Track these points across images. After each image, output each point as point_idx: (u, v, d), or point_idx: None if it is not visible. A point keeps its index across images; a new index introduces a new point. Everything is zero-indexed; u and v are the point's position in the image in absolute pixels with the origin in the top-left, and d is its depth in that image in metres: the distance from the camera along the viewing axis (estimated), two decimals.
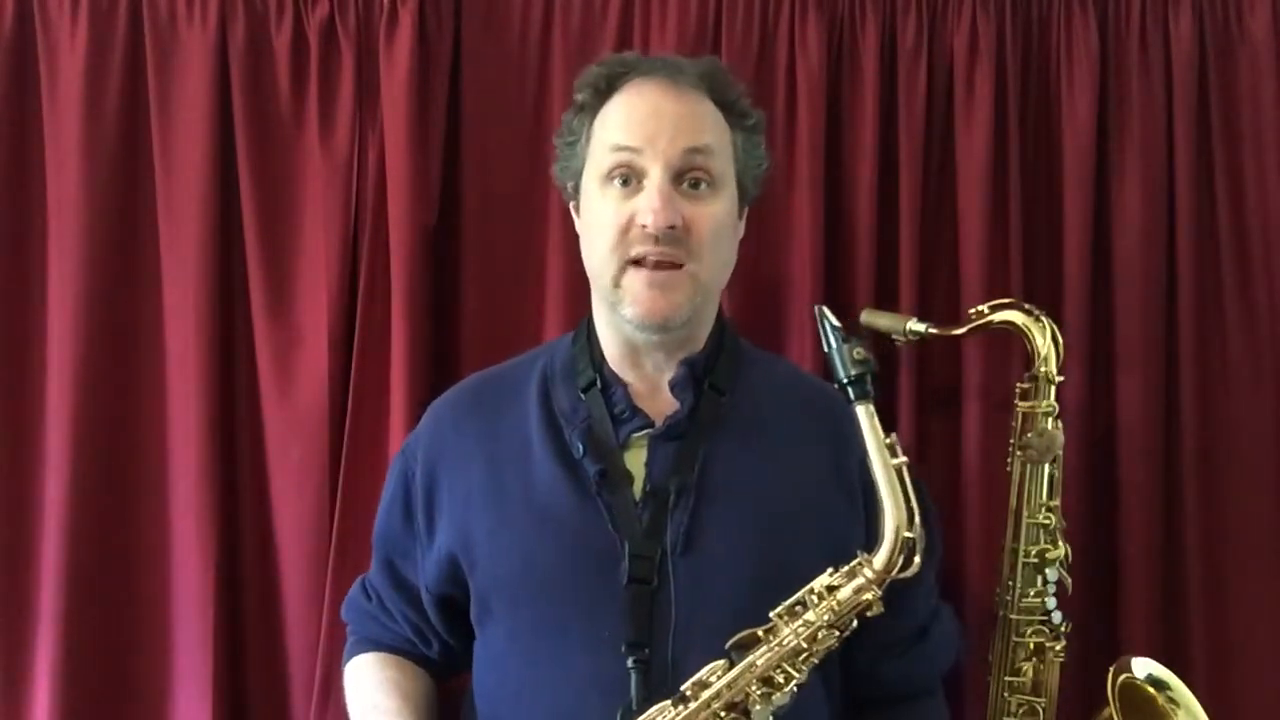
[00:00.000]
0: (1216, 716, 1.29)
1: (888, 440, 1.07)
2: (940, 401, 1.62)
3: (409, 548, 1.29)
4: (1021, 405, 1.45)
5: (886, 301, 1.59)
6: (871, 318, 1.52)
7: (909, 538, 1.04)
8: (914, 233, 1.60)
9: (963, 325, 1.48)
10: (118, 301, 1.56)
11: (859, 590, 1.04)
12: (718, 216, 1.18)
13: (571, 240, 1.34)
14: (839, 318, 1.53)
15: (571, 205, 1.29)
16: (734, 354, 1.25)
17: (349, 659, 1.34)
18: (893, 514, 1.04)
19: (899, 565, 1.04)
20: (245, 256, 1.57)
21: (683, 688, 1.04)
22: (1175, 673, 1.31)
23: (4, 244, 1.56)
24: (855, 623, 1.06)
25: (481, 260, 1.60)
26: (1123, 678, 1.30)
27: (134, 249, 1.57)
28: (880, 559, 1.04)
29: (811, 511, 1.19)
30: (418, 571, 1.28)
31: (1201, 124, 1.64)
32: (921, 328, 1.47)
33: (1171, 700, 1.29)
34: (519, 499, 1.19)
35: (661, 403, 1.21)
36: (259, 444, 1.58)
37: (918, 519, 1.05)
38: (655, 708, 1.05)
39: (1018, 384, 1.47)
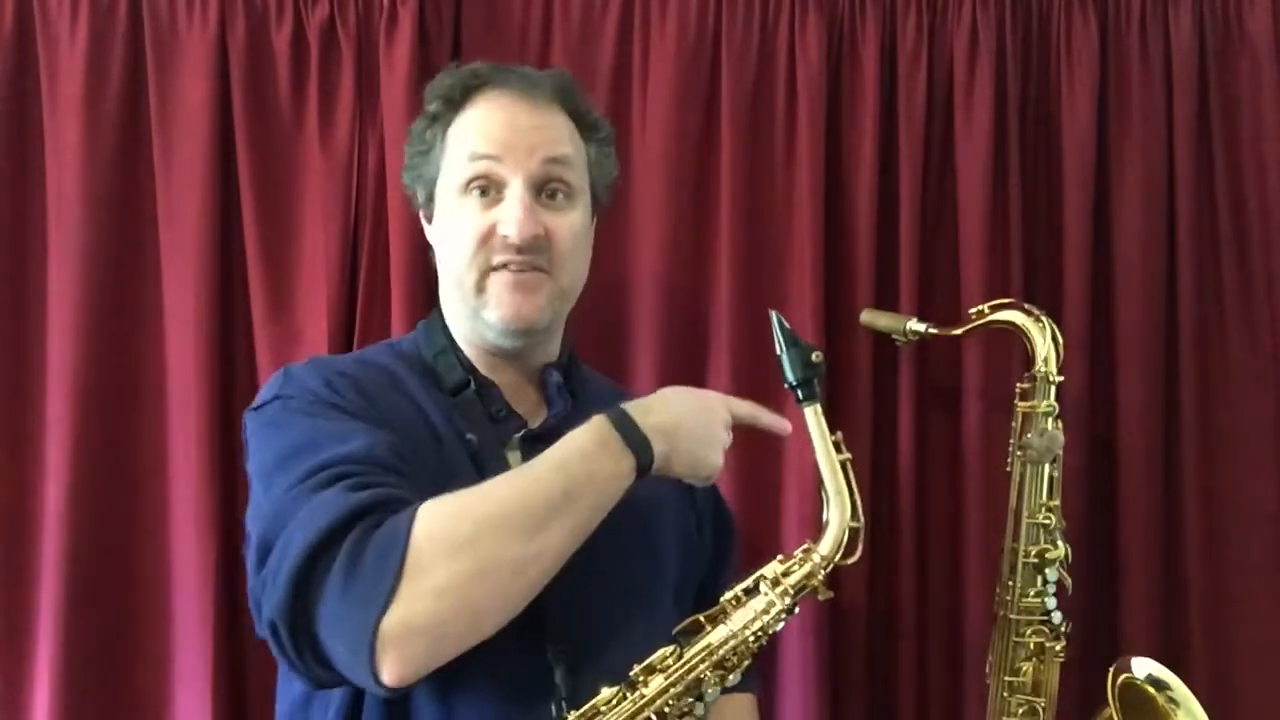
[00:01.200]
0: (1216, 716, 1.29)
1: (833, 438, 1.15)
2: (940, 401, 1.62)
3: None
4: (1021, 405, 1.46)
5: (886, 302, 1.59)
6: (871, 318, 1.52)
7: (854, 528, 1.13)
8: (914, 233, 1.60)
9: (963, 325, 1.48)
10: (118, 301, 1.56)
11: (807, 576, 1.11)
12: (575, 226, 1.20)
13: None
14: (839, 319, 1.58)
15: (421, 213, 1.28)
16: (578, 363, 1.29)
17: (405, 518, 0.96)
18: (838, 506, 1.13)
19: (842, 552, 1.13)
20: (245, 256, 1.56)
21: (632, 674, 1.04)
22: (1175, 673, 1.31)
23: (4, 244, 1.56)
24: (797, 609, 1.11)
25: None
26: (1123, 678, 1.30)
27: (134, 249, 1.56)
28: (827, 546, 1.12)
29: (662, 496, 1.23)
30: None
31: (1201, 124, 1.65)
32: (921, 328, 1.47)
33: (1171, 700, 1.29)
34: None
35: (524, 407, 1.21)
36: None
37: (860, 510, 1.13)
38: (601, 696, 1.03)
39: (1018, 384, 1.47)
